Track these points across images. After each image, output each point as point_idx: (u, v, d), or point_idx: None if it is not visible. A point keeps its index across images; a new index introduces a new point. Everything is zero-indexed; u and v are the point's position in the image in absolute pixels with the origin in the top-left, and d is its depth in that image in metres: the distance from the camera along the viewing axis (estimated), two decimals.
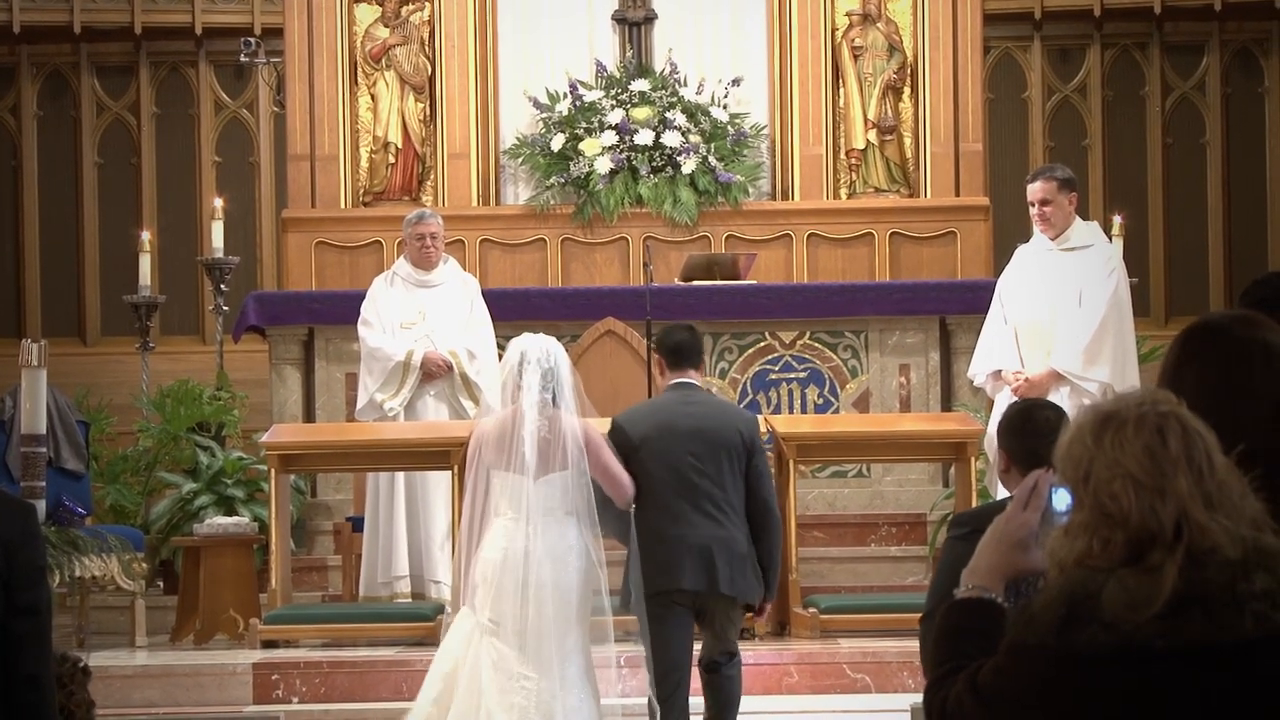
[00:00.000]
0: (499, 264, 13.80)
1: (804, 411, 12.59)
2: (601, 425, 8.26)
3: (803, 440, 10.75)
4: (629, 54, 14.12)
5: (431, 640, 9.36)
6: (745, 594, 8.12)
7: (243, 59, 14.47)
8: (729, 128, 13.90)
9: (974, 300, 12.09)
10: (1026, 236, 10.54)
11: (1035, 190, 10.09)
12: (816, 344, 12.76)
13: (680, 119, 13.83)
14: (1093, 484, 2.95)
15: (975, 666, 3.01)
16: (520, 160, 14.02)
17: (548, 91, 14.04)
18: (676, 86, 13.97)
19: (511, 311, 12.11)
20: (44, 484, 9.95)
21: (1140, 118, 15.39)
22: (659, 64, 14.11)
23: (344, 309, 12.17)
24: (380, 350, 11.31)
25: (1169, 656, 2.86)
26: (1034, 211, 10.11)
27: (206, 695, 9.64)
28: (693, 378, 8.27)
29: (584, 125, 13.85)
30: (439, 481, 11.06)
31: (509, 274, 13.72)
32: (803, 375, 12.74)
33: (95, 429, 12.36)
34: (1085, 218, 10.75)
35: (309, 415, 12.75)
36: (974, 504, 10.07)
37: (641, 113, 13.83)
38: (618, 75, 14.05)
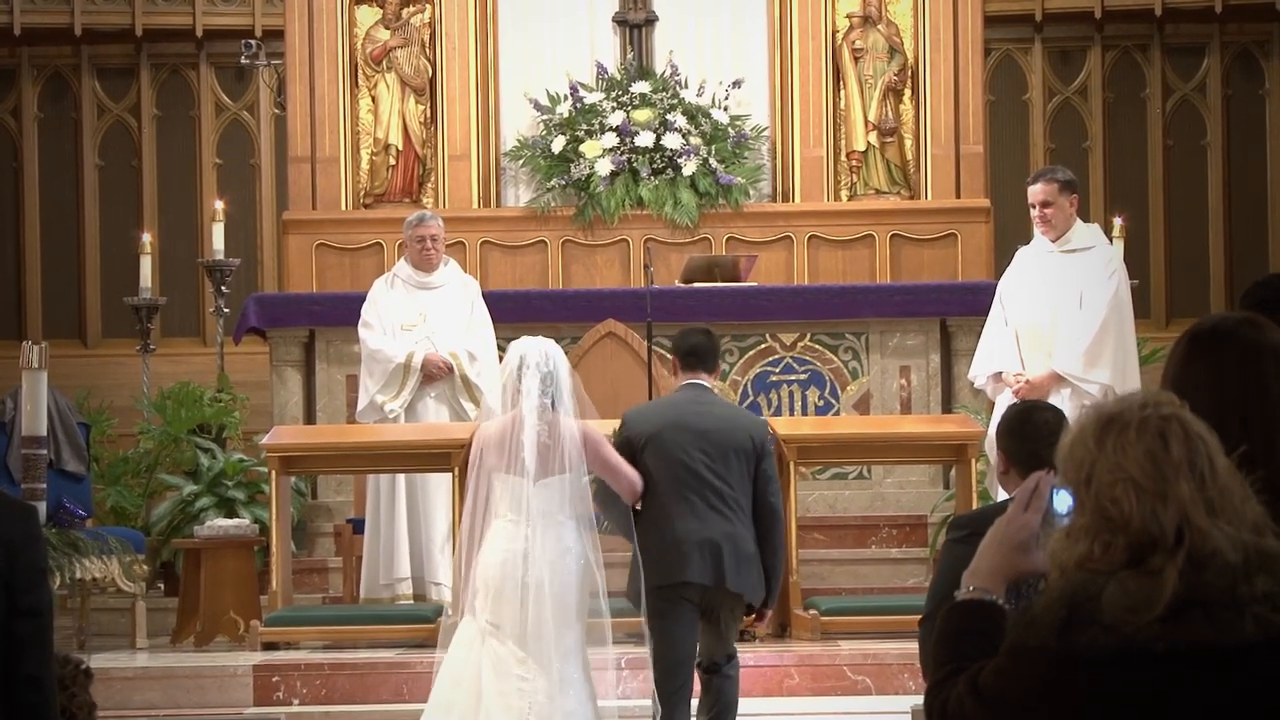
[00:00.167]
0: (499, 266, 13.79)
1: (804, 413, 12.59)
2: (603, 426, 8.27)
3: (803, 442, 10.74)
4: (630, 56, 14.11)
5: (432, 642, 9.35)
6: (751, 592, 8.13)
7: (243, 61, 14.46)
8: (729, 130, 13.90)
9: (974, 302, 12.08)
10: (1027, 238, 10.54)
11: (1036, 192, 10.08)
12: (817, 346, 12.76)
13: (681, 121, 13.82)
14: (1094, 487, 2.95)
15: (976, 668, 3.01)
16: (521, 162, 14.01)
17: (548, 93, 14.04)
18: (677, 88, 13.97)
19: (512, 313, 12.11)
20: (45, 486, 9.96)
21: (1141, 119, 15.38)
22: (660, 66, 14.10)
23: (344, 311, 12.17)
24: (381, 352, 11.30)
25: (1170, 659, 2.86)
26: (1035, 213, 10.10)
27: (207, 697, 9.64)
28: (704, 380, 8.30)
29: (585, 127, 13.84)
30: (440, 483, 11.05)
31: (509, 276, 13.72)
32: (803, 377, 12.74)
33: (96, 431, 12.36)
34: (1086, 220, 10.75)
35: (309, 417, 12.74)
36: (974, 506, 10.07)
37: (642, 115, 13.82)
38: (618, 77, 14.04)
